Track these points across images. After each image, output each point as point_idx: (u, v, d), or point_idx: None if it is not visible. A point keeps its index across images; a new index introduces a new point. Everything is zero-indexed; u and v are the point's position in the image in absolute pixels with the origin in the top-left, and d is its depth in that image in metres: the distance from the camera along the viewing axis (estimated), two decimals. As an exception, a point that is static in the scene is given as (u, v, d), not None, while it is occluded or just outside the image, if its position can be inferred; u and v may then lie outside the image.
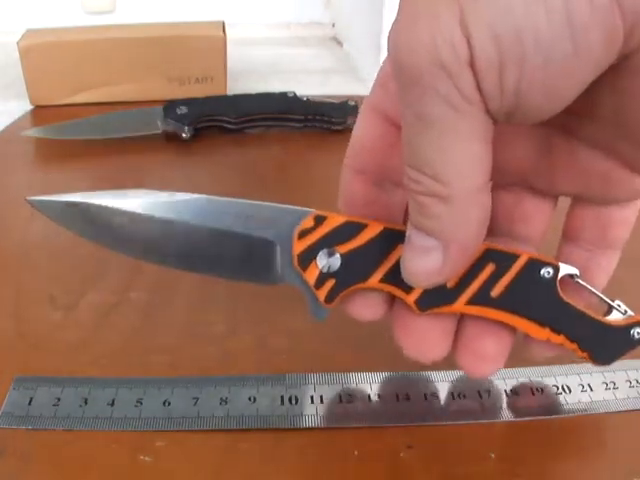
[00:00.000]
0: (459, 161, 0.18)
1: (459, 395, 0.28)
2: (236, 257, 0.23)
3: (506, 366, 0.28)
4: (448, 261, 0.19)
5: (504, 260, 0.22)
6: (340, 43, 0.84)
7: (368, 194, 0.23)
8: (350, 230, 0.23)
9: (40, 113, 0.59)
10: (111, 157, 0.51)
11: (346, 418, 0.27)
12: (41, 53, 0.57)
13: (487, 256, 0.22)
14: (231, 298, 0.34)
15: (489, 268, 0.22)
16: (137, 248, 0.24)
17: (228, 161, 0.52)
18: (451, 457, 0.25)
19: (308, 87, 0.61)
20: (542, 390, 0.28)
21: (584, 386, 0.28)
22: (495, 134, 0.22)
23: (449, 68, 0.16)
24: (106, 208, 0.23)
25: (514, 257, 0.23)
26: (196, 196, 0.24)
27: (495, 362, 0.24)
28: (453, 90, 0.17)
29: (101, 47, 0.58)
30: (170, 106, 0.53)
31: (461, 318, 0.24)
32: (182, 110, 0.53)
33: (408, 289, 0.22)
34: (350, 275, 0.23)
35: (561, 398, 0.28)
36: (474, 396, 0.28)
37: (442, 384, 0.28)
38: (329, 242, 0.23)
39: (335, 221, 0.23)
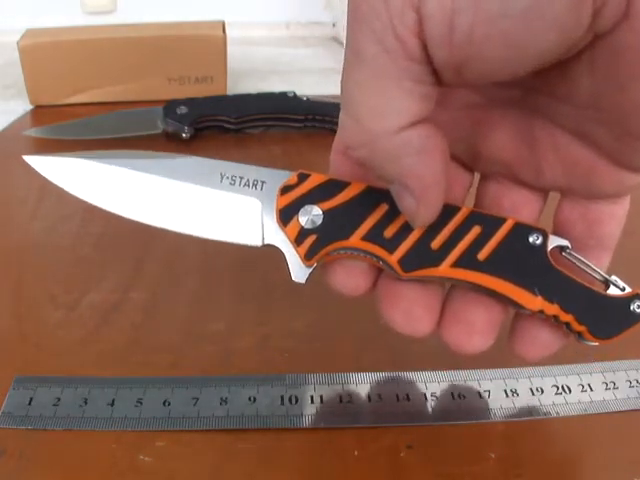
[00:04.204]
0: (376, 102, 0.18)
1: (459, 395, 0.28)
2: (221, 216, 0.24)
3: (506, 367, 0.28)
4: (418, 199, 0.20)
5: (490, 223, 0.22)
6: (340, 43, 0.84)
7: (355, 174, 0.23)
8: (333, 188, 0.23)
9: (40, 113, 0.59)
10: (111, 157, 0.51)
11: (346, 418, 0.27)
12: (41, 53, 0.57)
13: (472, 219, 0.22)
14: (231, 298, 0.34)
15: (475, 231, 0.22)
16: (126, 206, 0.24)
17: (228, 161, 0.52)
18: (451, 457, 0.25)
19: (308, 87, 0.61)
20: (542, 390, 0.28)
21: (584, 386, 0.28)
22: (477, 121, 0.22)
23: (392, 6, 0.16)
24: (98, 166, 0.24)
25: (500, 220, 0.22)
26: (183, 156, 0.24)
27: (484, 335, 0.23)
28: (388, 29, 0.17)
29: (101, 47, 0.58)
30: (170, 106, 0.53)
31: (449, 292, 0.24)
32: (182, 110, 0.53)
33: (391, 249, 0.22)
34: (332, 232, 0.22)
35: (561, 398, 0.28)
36: (474, 396, 0.28)
37: (442, 384, 0.28)
38: (312, 199, 0.23)
39: (318, 179, 0.23)
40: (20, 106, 0.60)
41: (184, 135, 0.53)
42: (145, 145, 0.52)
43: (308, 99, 0.56)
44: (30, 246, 0.39)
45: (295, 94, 0.56)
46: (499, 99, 0.22)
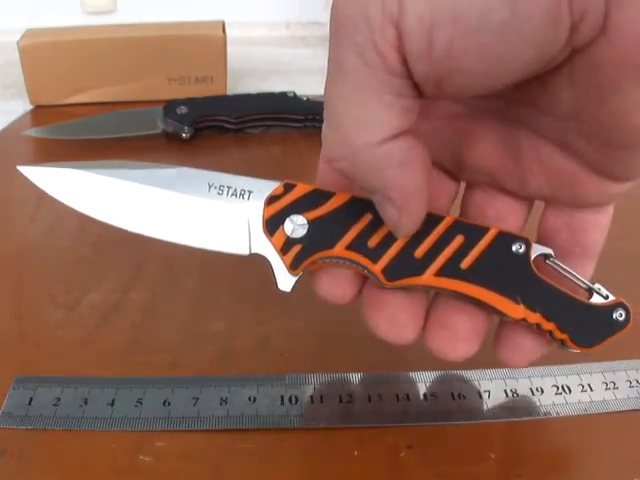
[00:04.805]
0: (357, 115, 0.18)
1: (459, 395, 0.28)
2: (208, 225, 0.24)
3: (506, 367, 0.28)
4: (400, 210, 0.20)
5: (473, 232, 0.23)
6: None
7: (342, 183, 0.23)
8: (318, 198, 0.23)
9: (40, 113, 0.59)
10: (111, 157, 0.50)
11: (346, 418, 0.27)
12: (41, 53, 0.57)
13: (456, 228, 0.23)
14: (231, 298, 0.34)
15: (458, 240, 0.22)
16: (116, 216, 0.24)
17: (228, 161, 0.52)
18: (451, 457, 0.25)
19: (308, 87, 0.61)
20: (542, 390, 0.28)
21: (584, 386, 0.28)
22: (461, 131, 0.23)
23: (372, 21, 0.17)
24: (89, 176, 0.24)
25: (484, 230, 0.23)
26: (172, 166, 0.25)
27: (467, 342, 0.23)
28: (369, 44, 0.17)
29: (101, 47, 0.58)
30: (170, 106, 0.53)
31: (433, 299, 0.24)
32: (182, 110, 0.53)
33: (375, 258, 0.22)
34: (317, 241, 0.23)
35: (561, 398, 0.28)
36: (474, 396, 0.28)
37: (442, 384, 0.28)
38: (297, 208, 0.23)
39: (304, 189, 0.23)
40: (20, 106, 0.60)
41: (184, 135, 0.53)
42: (145, 145, 0.52)
43: (308, 99, 0.56)
44: (30, 246, 0.39)
45: (295, 94, 0.56)
46: (482, 109, 0.22)
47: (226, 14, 0.67)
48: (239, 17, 0.77)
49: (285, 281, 0.23)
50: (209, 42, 0.60)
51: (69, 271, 0.36)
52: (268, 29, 0.87)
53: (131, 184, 0.24)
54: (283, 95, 0.56)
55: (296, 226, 0.23)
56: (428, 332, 0.24)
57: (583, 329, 0.23)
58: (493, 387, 0.28)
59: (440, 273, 0.22)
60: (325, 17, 0.92)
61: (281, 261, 0.23)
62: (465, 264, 0.22)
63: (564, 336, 0.23)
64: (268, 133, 0.56)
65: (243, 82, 0.67)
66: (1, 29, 0.75)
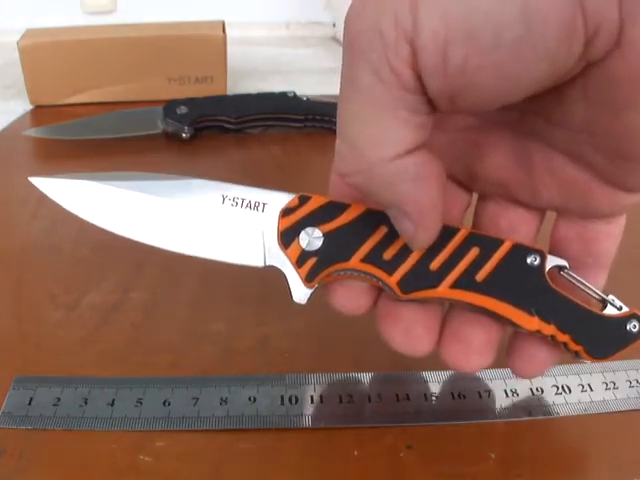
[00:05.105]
0: (372, 132, 0.18)
1: (459, 395, 0.28)
2: (223, 237, 0.24)
3: (506, 367, 0.28)
4: (416, 224, 0.20)
5: (488, 245, 0.23)
6: (340, 43, 0.84)
7: (355, 195, 0.23)
8: (333, 210, 0.23)
9: (40, 113, 0.59)
10: (111, 157, 0.51)
11: (346, 418, 0.27)
12: (41, 53, 0.57)
13: (470, 240, 0.23)
14: (231, 298, 0.34)
15: (473, 252, 0.22)
16: (130, 227, 0.24)
17: (228, 161, 0.52)
18: (451, 457, 0.25)
19: (308, 87, 0.61)
20: (542, 390, 0.28)
21: (584, 386, 0.28)
22: (474, 143, 0.23)
23: (386, 37, 0.17)
24: (103, 188, 0.24)
25: (499, 242, 0.23)
26: (186, 178, 0.24)
27: (482, 354, 0.23)
28: (383, 61, 0.17)
29: (101, 47, 0.58)
30: (170, 106, 0.53)
31: (447, 312, 0.24)
32: (182, 110, 0.53)
33: (390, 270, 0.22)
34: (332, 254, 0.23)
35: (561, 398, 0.28)
36: (474, 396, 0.28)
37: (442, 384, 0.28)
38: (312, 221, 0.23)
39: (319, 201, 0.23)
40: (20, 106, 0.60)
41: (184, 135, 0.53)
42: (145, 145, 0.52)
43: (308, 99, 0.56)
44: (30, 246, 0.39)
45: (295, 94, 0.56)
46: (495, 121, 0.22)
47: (226, 14, 0.67)
48: (239, 17, 0.77)
49: (300, 293, 0.23)
50: (209, 42, 0.60)
51: (69, 271, 0.36)
52: (268, 29, 0.87)
53: (145, 196, 0.24)
54: (283, 95, 0.56)
55: (311, 239, 0.23)
56: (443, 344, 0.24)
57: (597, 340, 0.23)
58: (493, 387, 0.28)
59: (455, 285, 0.22)
60: (325, 17, 0.92)
61: (296, 274, 0.23)
62: (480, 276, 0.22)
63: (579, 347, 0.23)
64: (268, 133, 0.56)
65: (243, 82, 0.67)
66: (1, 29, 0.75)
